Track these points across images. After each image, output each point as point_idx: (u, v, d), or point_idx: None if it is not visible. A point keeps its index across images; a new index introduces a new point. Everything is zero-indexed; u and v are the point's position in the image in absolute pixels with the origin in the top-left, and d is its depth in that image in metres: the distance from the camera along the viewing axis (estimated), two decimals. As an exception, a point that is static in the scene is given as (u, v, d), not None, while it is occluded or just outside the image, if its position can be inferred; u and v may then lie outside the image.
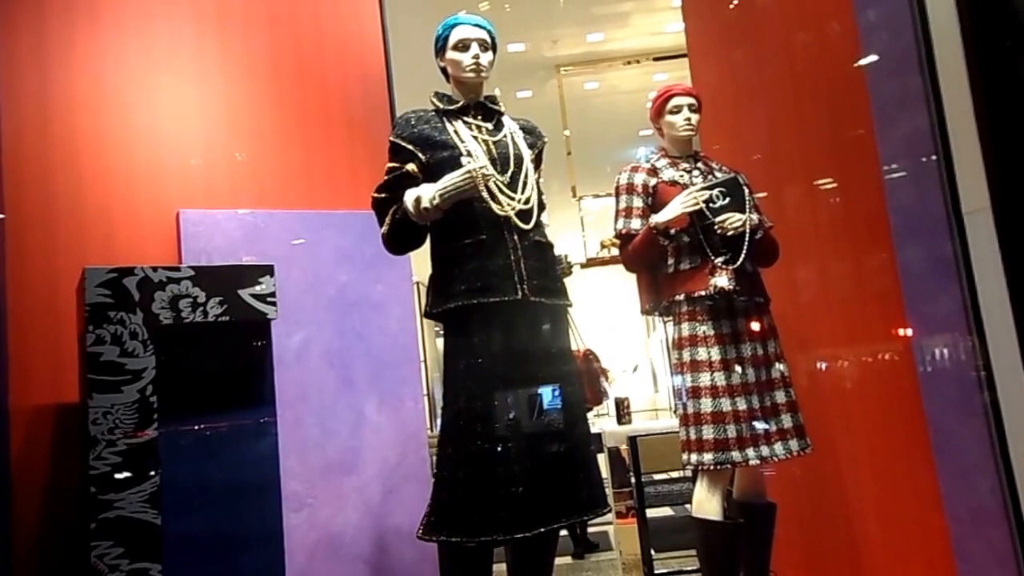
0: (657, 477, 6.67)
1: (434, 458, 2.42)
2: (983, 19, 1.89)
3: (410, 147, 2.43)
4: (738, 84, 3.76)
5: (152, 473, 2.28)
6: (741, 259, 2.70)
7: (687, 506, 2.83)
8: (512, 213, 2.38)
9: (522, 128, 2.61)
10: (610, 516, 4.21)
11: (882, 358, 2.72)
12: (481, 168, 2.28)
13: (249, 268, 2.54)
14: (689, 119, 2.88)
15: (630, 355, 11.75)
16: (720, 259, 2.71)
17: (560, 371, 2.43)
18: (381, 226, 2.45)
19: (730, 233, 2.71)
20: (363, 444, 3.12)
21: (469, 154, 2.38)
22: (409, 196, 2.34)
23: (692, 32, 4.31)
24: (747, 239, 2.71)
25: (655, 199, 2.84)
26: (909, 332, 2.40)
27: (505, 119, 2.58)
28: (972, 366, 1.95)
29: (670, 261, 2.81)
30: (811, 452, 2.70)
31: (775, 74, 3.37)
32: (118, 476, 2.24)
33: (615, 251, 3.22)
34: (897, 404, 2.56)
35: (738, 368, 2.68)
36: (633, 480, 3.98)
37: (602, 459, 4.15)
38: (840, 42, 2.77)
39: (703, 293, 2.69)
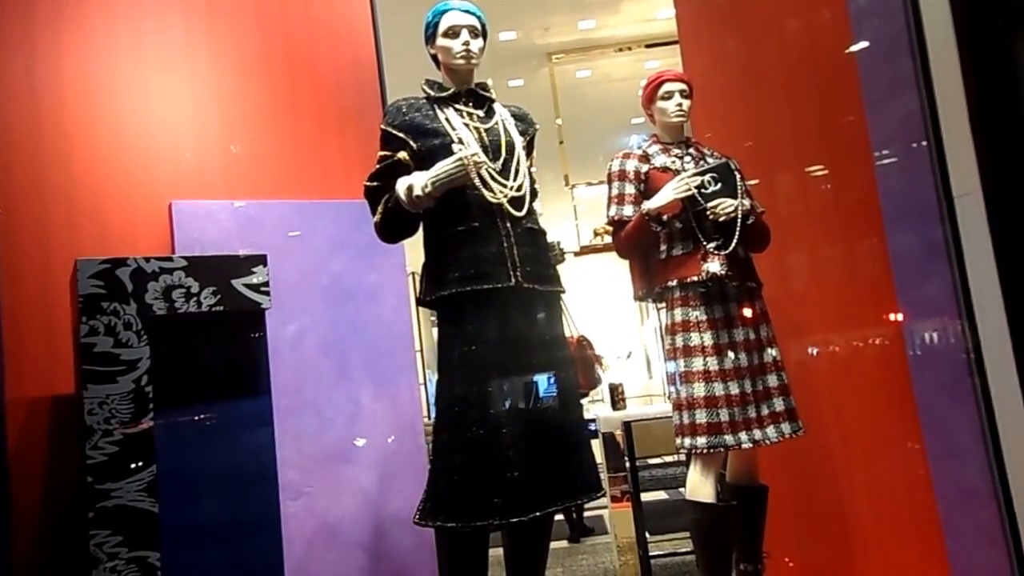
0: (651, 461, 6.70)
1: (430, 445, 2.43)
2: (974, 1, 1.89)
3: (401, 135, 2.43)
4: (730, 71, 3.76)
5: (149, 462, 2.29)
6: (733, 245, 2.72)
7: (681, 489, 2.85)
8: (504, 200, 2.38)
9: (513, 115, 2.61)
10: (605, 500, 4.22)
11: (873, 342, 2.74)
12: (473, 155, 2.29)
13: (242, 258, 2.54)
14: (680, 105, 2.89)
15: (624, 342, 11.78)
16: (712, 245, 2.73)
17: (554, 357, 2.44)
18: (374, 215, 2.46)
19: (722, 219, 2.72)
20: (359, 432, 3.13)
21: (460, 141, 2.38)
22: (401, 184, 2.34)
23: (683, 19, 4.30)
24: (739, 224, 2.72)
25: (647, 185, 2.85)
26: (900, 316, 2.42)
27: (496, 106, 2.58)
28: (962, 349, 1.97)
29: (662, 247, 2.82)
30: (803, 435, 2.72)
31: (767, 61, 3.38)
32: (115, 466, 2.25)
33: (608, 239, 3.23)
34: (888, 387, 2.57)
35: (731, 353, 2.69)
36: (628, 465, 4.00)
37: (597, 444, 4.17)
38: (831, 28, 2.78)
39: (695, 279, 2.71)
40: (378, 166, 2.45)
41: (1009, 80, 1.85)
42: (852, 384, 2.90)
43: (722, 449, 2.65)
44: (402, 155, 2.42)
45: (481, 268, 2.31)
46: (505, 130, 2.52)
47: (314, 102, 3.37)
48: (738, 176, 2.82)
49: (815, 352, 3.14)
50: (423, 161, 2.38)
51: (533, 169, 2.62)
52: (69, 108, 2.87)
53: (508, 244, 2.36)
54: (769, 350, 2.76)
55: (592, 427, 3.93)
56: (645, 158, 2.90)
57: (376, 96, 3.48)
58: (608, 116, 8.38)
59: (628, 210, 2.85)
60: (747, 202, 2.78)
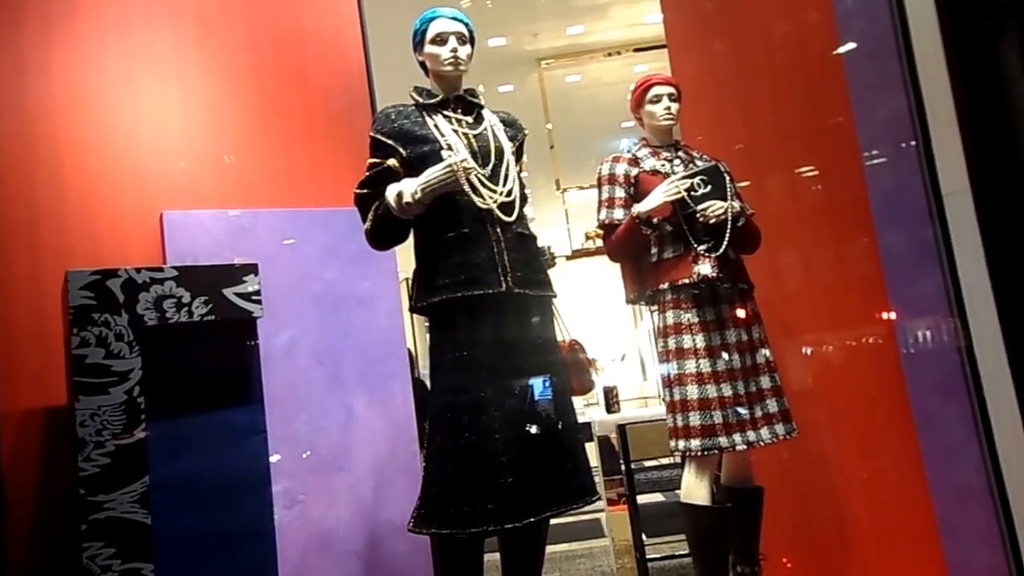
0: (647, 464, 6.71)
1: (424, 451, 2.43)
2: (959, 0, 1.90)
3: (391, 142, 2.43)
4: (718, 74, 3.77)
5: (142, 473, 2.28)
6: (724, 246, 2.72)
7: (677, 492, 2.85)
8: (494, 206, 2.38)
9: (502, 120, 2.61)
10: (601, 503, 4.23)
11: (866, 341, 2.75)
12: (462, 162, 2.29)
13: (233, 267, 2.53)
14: (669, 108, 2.89)
15: (618, 344, 11.80)
16: (703, 247, 2.73)
17: (546, 362, 2.44)
18: (364, 222, 2.46)
19: (712, 221, 2.72)
20: (353, 440, 3.12)
21: (450, 148, 2.38)
22: (391, 191, 2.34)
23: (671, 23, 4.31)
24: (729, 226, 2.73)
25: (637, 189, 2.86)
26: (892, 315, 2.43)
27: (485, 112, 2.58)
28: (954, 347, 1.97)
29: (653, 250, 2.83)
30: (797, 436, 2.72)
31: (755, 63, 3.39)
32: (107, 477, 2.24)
33: (600, 242, 3.24)
34: (881, 386, 2.58)
35: (723, 355, 2.69)
36: (623, 468, 4.00)
37: (592, 448, 4.17)
38: (818, 30, 2.79)
39: (687, 281, 2.71)
40: (368, 173, 2.45)
41: (995, 78, 1.86)
42: (846, 384, 2.90)
43: (716, 451, 2.65)
44: (392, 162, 2.42)
45: (472, 274, 2.31)
46: (494, 136, 2.52)
47: (304, 110, 3.37)
48: (728, 178, 2.83)
49: (808, 353, 3.14)
50: (413, 168, 2.38)
51: (523, 174, 2.62)
52: (59, 119, 2.86)
53: (499, 249, 2.36)
54: (762, 351, 2.76)
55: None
56: (635, 162, 2.90)
57: (366, 103, 3.47)
58: (598, 120, 8.39)
59: (619, 213, 2.85)
60: (737, 204, 2.79)
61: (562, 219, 8.95)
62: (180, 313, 2.40)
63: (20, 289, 2.66)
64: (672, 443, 2.72)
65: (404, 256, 2.88)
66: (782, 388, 2.75)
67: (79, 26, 2.97)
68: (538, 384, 2.40)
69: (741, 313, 2.77)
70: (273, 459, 2.86)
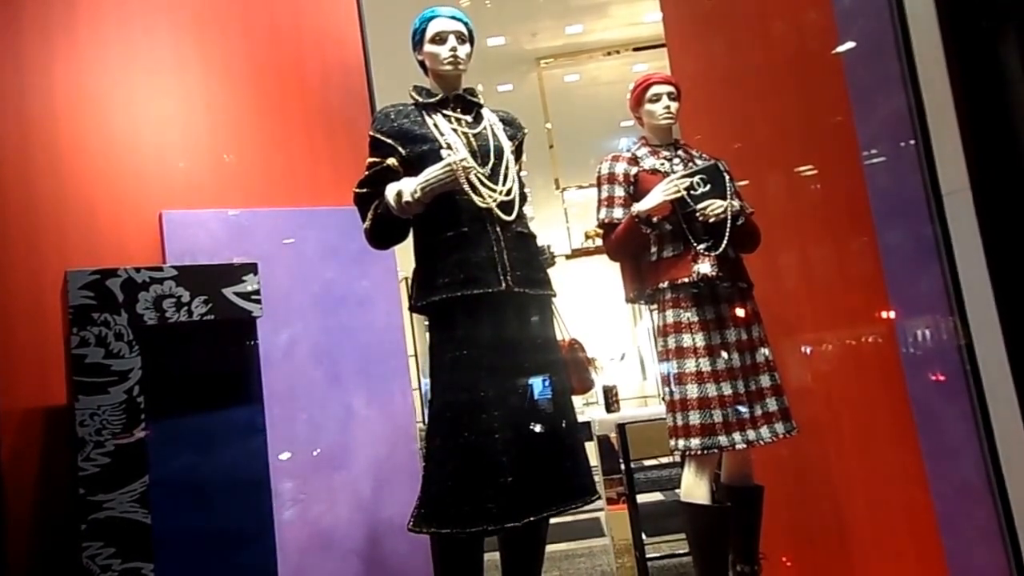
0: (647, 463, 6.71)
1: (423, 451, 2.43)
2: (959, 1, 1.90)
3: (390, 141, 2.43)
4: (717, 73, 3.77)
5: (141, 473, 2.28)
6: (723, 245, 2.72)
7: (677, 491, 2.85)
8: (494, 205, 2.38)
9: (502, 120, 2.61)
10: (601, 503, 4.23)
11: (865, 340, 2.75)
12: (461, 161, 2.29)
13: (233, 267, 2.53)
14: (668, 107, 2.89)
15: (617, 343, 11.80)
16: (702, 246, 2.73)
17: (546, 361, 2.44)
18: (363, 221, 2.46)
19: (712, 220, 2.72)
20: (353, 439, 3.12)
21: (449, 147, 2.38)
22: (390, 190, 2.34)
23: (670, 21, 4.32)
24: (729, 225, 2.73)
25: (637, 188, 2.86)
26: (892, 314, 2.42)
27: (484, 111, 2.58)
28: (954, 346, 1.97)
29: (653, 249, 2.82)
30: (797, 434, 2.72)
31: (754, 62, 3.39)
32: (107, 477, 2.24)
33: (599, 241, 3.25)
34: (881, 385, 2.58)
35: (723, 354, 2.69)
36: (623, 467, 4.00)
37: (592, 447, 4.17)
38: (817, 29, 2.79)
39: (686, 280, 2.71)
40: (367, 172, 2.45)
41: (995, 77, 1.86)
42: (846, 383, 2.90)
43: (716, 450, 2.65)
44: (391, 161, 2.42)
45: (471, 273, 2.31)
46: (493, 135, 2.52)
47: (303, 110, 3.37)
48: (727, 177, 2.82)
49: (808, 352, 3.14)
50: (412, 167, 2.38)
51: (523, 173, 2.62)
52: (59, 119, 2.85)
53: (498, 248, 2.36)
54: (761, 350, 2.76)
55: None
56: (634, 161, 2.90)
57: (365, 103, 3.47)
58: (597, 119, 8.39)
59: (618, 212, 2.85)
60: (736, 203, 2.79)
61: (561, 218, 8.95)
62: (180, 313, 2.40)
63: (20, 289, 2.65)
64: (672, 442, 2.72)
65: (404, 255, 2.88)
66: (782, 387, 2.76)
67: (78, 26, 2.97)
68: (538, 383, 2.40)
69: (741, 312, 2.77)
70: (283, 457, 2.88)
